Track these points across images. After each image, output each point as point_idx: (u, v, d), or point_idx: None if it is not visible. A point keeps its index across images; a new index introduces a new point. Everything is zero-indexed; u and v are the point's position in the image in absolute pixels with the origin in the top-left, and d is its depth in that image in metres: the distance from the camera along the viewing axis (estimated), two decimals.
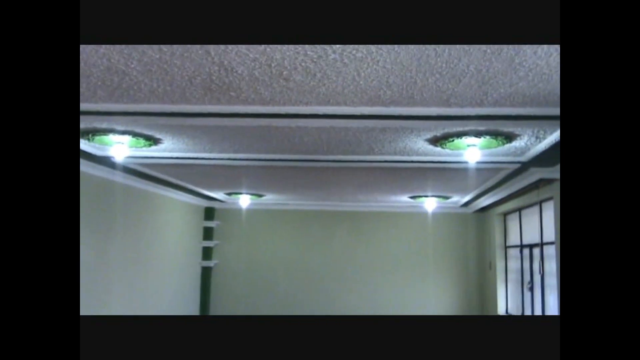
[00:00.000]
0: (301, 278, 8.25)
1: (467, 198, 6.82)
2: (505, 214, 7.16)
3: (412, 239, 8.19)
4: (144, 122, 3.10)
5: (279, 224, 8.43)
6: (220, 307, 8.21)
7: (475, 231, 8.08)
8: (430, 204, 7.04)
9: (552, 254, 5.21)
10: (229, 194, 7.09)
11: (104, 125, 3.31)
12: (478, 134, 3.20)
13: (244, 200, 7.24)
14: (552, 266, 5.24)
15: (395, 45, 1.95)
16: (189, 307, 7.73)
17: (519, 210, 6.42)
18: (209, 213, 8.36)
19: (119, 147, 3.67)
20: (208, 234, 8.34)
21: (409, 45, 1.94)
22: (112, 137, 3.55)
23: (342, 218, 8.30)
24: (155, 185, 6.16)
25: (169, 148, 3.97)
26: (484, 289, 7.78)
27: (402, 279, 8.08)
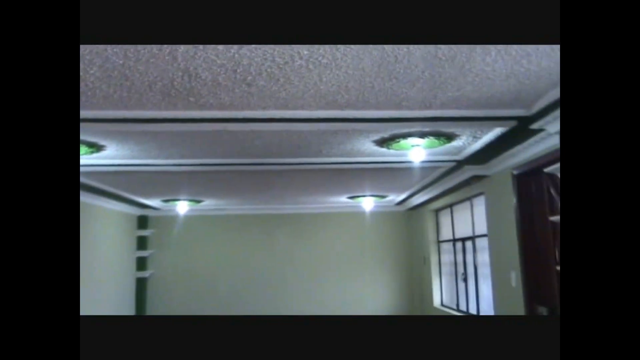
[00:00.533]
0: (243, 283, 8.20)
1: (402, 196, 7.14)
2: (437, 211, 7.57)
3: (350, 238, 8.42)
4: (91, 129, 2.99)
5: (217, 230, 8.31)
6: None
7: (410, 228, 8.46)
8: (367, 204, 7.29)
9: (483, 246, 5.60)
10: (166, 201, 6.90)
11: None
12: (422, 135, 3.41)
13: (182, 207, 7.08)
14: (484, 257, 5.64)
15: (361, 51, 2.05)
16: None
17: (451, 206, 6.82)
18: (142, 221, 8.07)
19: None
20: (142, 243, 8.04)
21: (373, 51, 2.06)
22: None
23: (283, 221, 8.36)
24: (87, 194, 5.87)
25: (112, 155, 3.83)
26: (420, 283, 8.16)
27: (343, 277, 8.28)
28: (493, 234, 4.95)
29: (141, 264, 7.97)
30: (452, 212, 6.86)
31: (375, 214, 8.33)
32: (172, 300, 8.01)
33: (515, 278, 4.36)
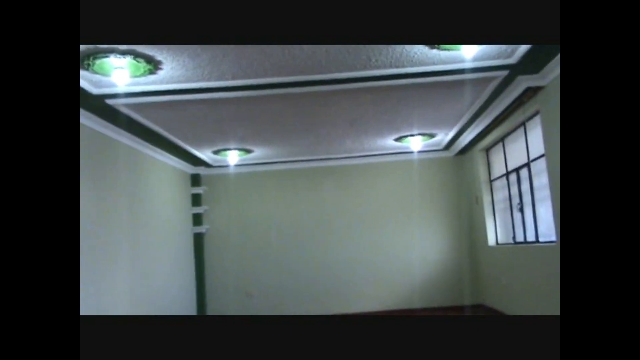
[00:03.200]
0: (292, 235, 8.33)
1: (451, 134, 7.01)
2: (487, 149, 7.40)
3: (399, 187, 8.37)
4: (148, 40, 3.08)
5: (266, 185, 8.46)
6: (214, 272, 8.23)
7: (459, 172, 8.32)
8: (415, 144, 7.21)
9: (540, 169, 5.45)
10: (217, 152, 7.07)
11: (105, 45, 3.28)
12: None
13: (232, 157, 7.23)
14: (540, 181, 5.48)
15: None
16: (185, 273, 7.71)
17: (502, 139, 6.65)
18: (195, 179, 8.32)
19: (120, 73, 3.64)
20: (196, 200, 8.30)
21: None
22: (112, 61, 3.52)
23: (330, 173, 8.41)
24: (145, 144, 6.10)
25: (168, 76, 3.95)
26: (473, 224, 8.04)
27: (393, 226, 8.27)
28: (551, 150, 4.79)
29: (197, 220, 8.23)
30: (503, 146, 6.69)
31: (423, 161, 8.25)
32: (227, 254, 8.26)
33: None
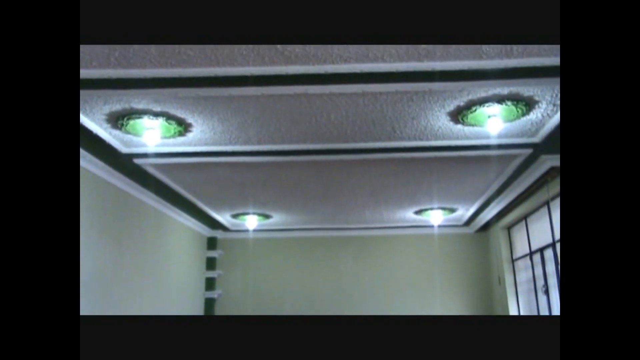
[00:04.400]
0: (308, 306, 8.11)
1: (472, 210, 6.94)
2: (509, 227, 7.28)
3: (417, 262, 8.21)
4: (182, 94, 3.21)
5: (283, 253, 8.38)
6: None
7: (480, 249, 8.14)
8: (435, 218, 7.13)
9: None
10: (236, 216, 7.10)
11: (140, 106, 3.41)
12: (500, 100, 3.39)
13: (251, 222, 7.24)
14: None
15: None
16: None
17: (525, 218, 6.55)
18: (212, 243, 8.30)
19: (151, 133, 3.75)
20: (211, 264, 8.23)
21: None
22: (145, 122, 3.64)
23: (347, 243, 8.32)
24: (167, 204, 6.17)
25: (196, 139, 4.06)
26: (494, 306, 7.73)
27: (410, 301, 8.01)
28: None
29: (210, 284, 8.11)
30: (526, 224, 6.57)
31: (443, 237, 8.12)
32: None
33: None
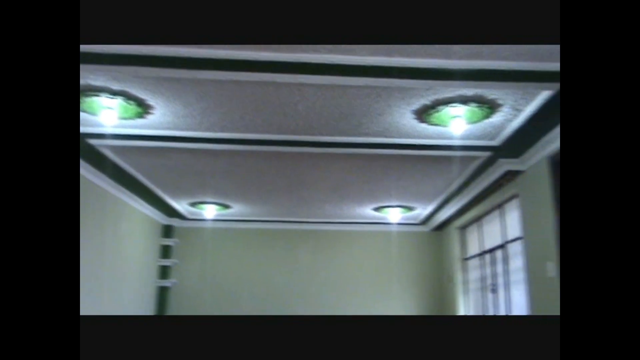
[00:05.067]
0: (265, 299, 8.07)
1: (429, 209, 7.08)
2: (463, 228, 7.47)
3: (374, 258, 8.31)
4: (143, 73, 3.08)
5: (242, 244, 8.29)
6: None
7: (434, 248, 8.33)
8: (393, 215, 7.23)
9: (514, 251, 5.48)
10: (194, 204, 6.95)
11: (98, 83, 3.26)
12: (465, 101, 3.45)
13: (210, 211, 7.11)
14: (515, 264, 5.50)
15: None
16: None
17: (478, 219, 6.74)
18: (168, 231, 8.10)
19: (108, 113, 3.60)
20: (166, 252, 8.03)
21: None
22: (102, 101, 3.49)
23: (306, 237, 8.32)
24: (121, 188, 5.96)
25: (157, 122, 3.93)
26: (444, 303, 7.93)
27: (365, 295, 8.11)
28: (529, 233, 4.84)
29: (164, 272, 7.93)
30: (480, 226, 6.76)
31: (399, 234, 8.26)
32: (194, 310, 7.89)
33: (553, 268, 4.24)
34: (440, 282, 8.12)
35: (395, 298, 8.09)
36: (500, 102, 3.48)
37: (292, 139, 4.24)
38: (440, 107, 3.55)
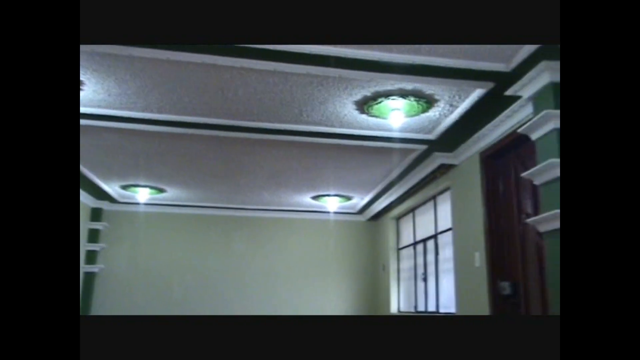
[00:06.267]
0: (198, 286, 7.92)
1: (366, 199, 7.22)
2: (398, 218, 7.70)
3: (310, 246, 8.37)
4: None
5: (174, 230, 8.06)
6: (104, 314, 7.50)
7: (370, 237, 8.52)
8: (331, 204, 7.32)
9: (445, 241, 5.73)
10: (126, 187, 6.67)
11: None
12: (404, 95, 3.53)
13: (142, 195, 6.85)
14: (445, 254, 5.75)
15: None
16: None
17: (413, 210, 6.96)
18: (96, 214, 7.73)
19: None
20: (93, 236, 7.67)
21: None
22: None
23: (242, 224, 8.23)
24: None
25: (87, 99, 3.72)
26: (378, 290, 8.16)
27: (301, 284, 8.17)
28: (458, 225, 5.07)
29: (90, 257, 7.57)
30: (414, 216, 7.00)
31: (337, 223, 8.37)
32: (121, 297, 7.60)
33: (479, 258, 4.47)
34: (375, 270, 8.33)
35: (331, 286, 8.21)
36: (437, 97, 3.60)
37: (231, 123, 4.16)
38: (381, 99, 3.61)
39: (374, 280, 8.31)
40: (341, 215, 8.27)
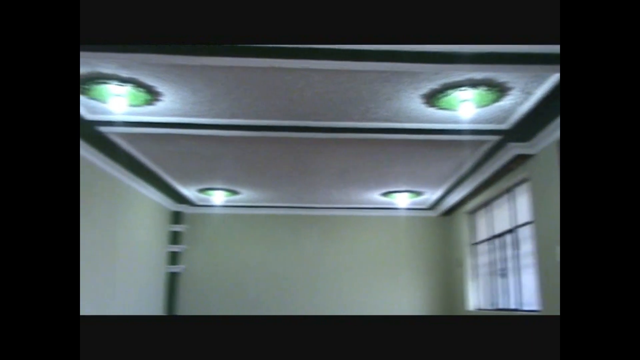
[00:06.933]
0: (272, 283, 8.14)
1: (438, 194, 7.06)
2: (472, 212, 7.46)
3: (380, 242, 8.32)
4: (152, 67, 3.09)
5: (249, 230, 8.34)
6: (188, 312, 7.92)
7: (443, 233, 8.33)
8: (401, 200, 7.23)
9: (524, 236, 5.47)
10: (202, 190, 6.99)
11: (108, 70, 3.27)
12: (474, 85, 3.42)
13: (218, 197, 7.14)
14: (525, 248, 5.50)
15: None
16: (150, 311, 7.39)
17: (487, 204, 6.72)
18: (177, 217, 8.16)
19: (118, 100, 3.61)
20: (175, 238, 8.10)
21: None
22: (111, 88, 3.50)
23: (312, 223, 8.34)
24: (130, 175, 6.00)
25: (166, 109, 3.94)
26: (452, 287, 7.95)
27: (372, 281, 8.15)
28: (539, 218, 4.82)
29: (173, 258, 8.01)
30: (489, 210, 6.74)
31: (407, 219, 8.26)
32: (202, 296, 7.98)
33: None
34: (448, 266, 8.13)
35: (403, 284, 8.12)
36: (510, 85, 3.45)
37: (298, 124, 4.24)
38: (449, 91, 3.52)
39: (447, 277, 8.12)
40: (412, 211, 8.14)
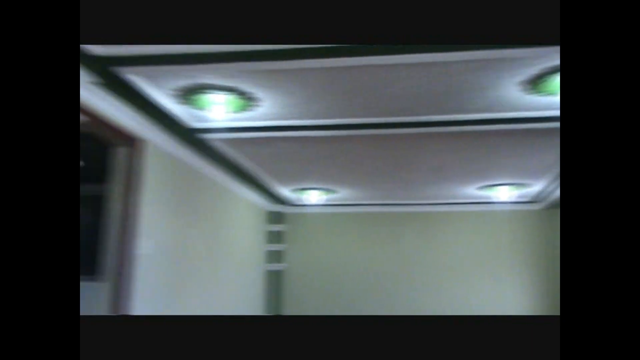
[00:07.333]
0: (371, 282, 8.22)
1: (540, 186, 6.69)
2: None
3: (481, 239, 8.06)
4: (248, 68, 3.30)
5: (345, 228, 8.49)
6: (292, 310, 8.26)
7: (547, 226, 7.86)
8: (502, 194, 6.94)
9: None
10: (300, 190, 7.25)
11: (207, 80, 3.55)
12: None
13: (315, 197, 7.37)
14: None
15: None
16: (251, 311, 7.78)
17: None
18: (275, 217, 8.52)
19: (219, 108, 3.90)
20: (275, 238, 8.46)
21: None
22: (211, 97, 3.79)
23: (409, 220, 8.29)
24: (231, 179, 6.38)
25: (264, 113, 4.18)
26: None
27: (474, 281, 7.91)
28: None
29: (275, 257, 8.35)
30: None
31: (510, 213, 7.91)
32: (302, 295, 8.28)
33: None
34: (557, 262, 7.65)
35: (507, 281, 7.79)
36: None
37: (389, 121, 4.27)
38: (549, 76, 3.35)
39: (556, 274, 7.63)
40: (513, 204, 7.78)
